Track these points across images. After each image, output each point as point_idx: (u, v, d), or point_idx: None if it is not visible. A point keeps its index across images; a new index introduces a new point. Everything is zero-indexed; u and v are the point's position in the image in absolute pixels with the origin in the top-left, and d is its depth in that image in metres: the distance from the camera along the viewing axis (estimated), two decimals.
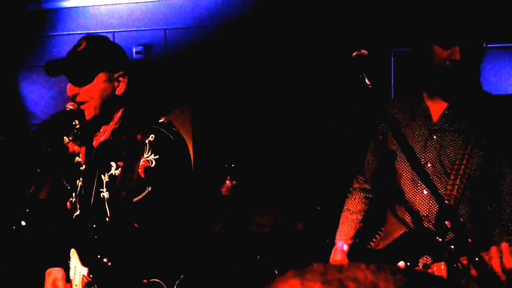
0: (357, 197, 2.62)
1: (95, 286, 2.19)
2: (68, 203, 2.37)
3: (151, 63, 4.85)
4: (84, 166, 2.34)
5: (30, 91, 5.16)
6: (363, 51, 1.90)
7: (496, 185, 2.21)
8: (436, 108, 2.31)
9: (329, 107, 4.32)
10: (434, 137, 2.26)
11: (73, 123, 2.40)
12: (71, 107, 2.24)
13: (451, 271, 1.60)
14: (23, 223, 2.18)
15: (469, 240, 1.60)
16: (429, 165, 2.24)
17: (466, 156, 2.19)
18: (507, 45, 4.09)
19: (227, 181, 3.46)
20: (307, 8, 4.35)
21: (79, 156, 2.37)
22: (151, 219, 2.22)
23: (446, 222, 1.59)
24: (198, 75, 4.71)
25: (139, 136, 2.21)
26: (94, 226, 2.26)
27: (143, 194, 2.20)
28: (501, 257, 1.81)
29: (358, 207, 2.60)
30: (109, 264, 2.16)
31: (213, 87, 4.68)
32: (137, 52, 4.87)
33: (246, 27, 4.55)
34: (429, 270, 2.02)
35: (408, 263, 2.19)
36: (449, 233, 2.13)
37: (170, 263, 2.23)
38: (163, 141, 2.21)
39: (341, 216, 2.62)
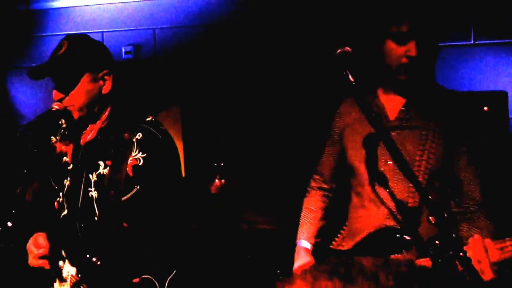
0: (315, 196, 2.60)
1: (83, 285, 2.18)
2: (55, 203, 2.36)
3: (141, 63, 4.84)
4: (71, 166, 2.33)
5: (19, 91, 5.13)
6: (346, 48, 1.90)
7: (456, 178, 2.22)
8: (392, 105, 2.30)
9: (319, 105, 4.33)
10: (393, 134, 2.24)
11: (60, 122, 2.39)
12: (57, 107, 2.23)
13: (436, 267, 1.61)
14: (9, 224, 2.17)
15: (453, 235, 1.60)
16: (389, 162, 2.24)
17: (426, 151, 2.19)
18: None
19: (216, 180, 3.46)
20: (297, 7, 4.36)
21: (66, 156, 2.36)
22: (140, 218, 2.21)
23: (431, 217, 1.59)
24: (187, 75, 4.70)
25: (126, 135, 2.21)
26: (82, 225, 2.24)
27: (132, 192, 2.19)
28: (486, 251, 1.82)
29: (317, 205, 2.57)
30: (98, 263, 2.16)
31: (202, 87, 4.67)
32: (126, 52, 4.86)
33: (235, 27, 4.55)
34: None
35: None
36: (417, 230, 2.15)
37: (161, 259, 2.21)
38: (151, 140, 2.20)
39: (300, 216, 2.59)
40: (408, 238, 2.15)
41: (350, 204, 2.45)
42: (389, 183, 2.19)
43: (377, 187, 2.28)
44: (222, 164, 3.46)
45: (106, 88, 2.25)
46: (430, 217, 1.61)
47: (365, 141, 2.29)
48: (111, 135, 2.25)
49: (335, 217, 2.57)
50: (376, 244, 2.24)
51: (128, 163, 2.17)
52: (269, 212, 4.25)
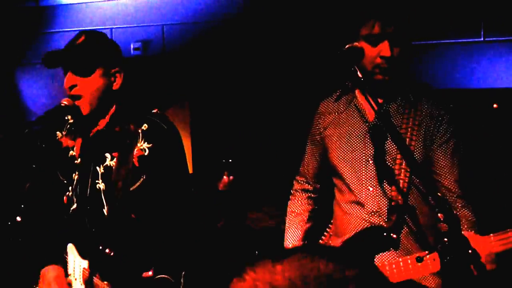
0: (299, 198, 2.61)
1: (97, 275, 2.19)
2: (65, 198, 2.37)
3: (149, 59, 4.85)
4: (79, 160, 2.34)
5: (28, 88, 5.16)
6: (355, 43, 1.90)
7: (434, 172, 2.23)
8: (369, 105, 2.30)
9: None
10: (372, 133, 2.25)
11: (66, 118, 2.41)
12: (66, 102, 2.25)
13: (444, 264, 1.60)
14: (19, 218, 2.18)
15: (463, 232, 1.60)
16: (370, 161, 2.24)
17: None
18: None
19: (225, 177, 3.46)
20: (305, 3, 4.35)
21: (73, 150, 2.38)
22: (147, 208, 2.24)
23: (439, 214, 1.59)
24: (196, 71, 4.70)
25: (132, 126, 2.24)
26: (91, 218, 2.26)
27: (138, 183, 2.21)
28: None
29: (302, 208, 2.58)
30: (112, 254, 2.17)
31: (211, 83, 4.67)
32: (135, 49, 4.86)
33: (243, 23, 4.54)
34: (422, 263, 2.02)
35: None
36: (404, 228, 2.15)
37: (172, 254, 2.23)
38: (156, 130, 2.24)
39: (286, 221, 2.60)
40: (395, 236, 2.15)
41: (335, 202, 2.45)
42: (374, 182, 2.20)
43: (361, 186, 2.28)
44: (230, 160, 3.46)
45: (117, 84, 2.28)
46: (438, 214, 1.60)
47: (348, 141, 2.30)
48: (117, 127, 2.28)
49: (322, 215, 2.58)
50: (362, 242, 2.24)
51: (134, 153, 2.20)
52: (278, 208, 4.25)
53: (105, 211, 2.23)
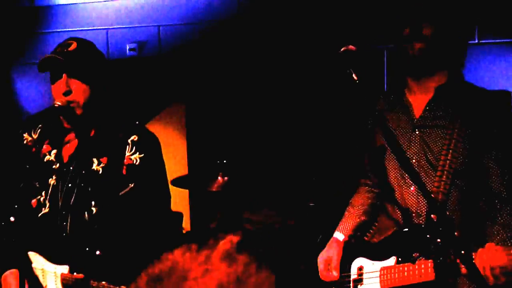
0: (360, 192, 2.65)
1: (79, 276, 2.19)
2: (34, 201, 2.37)
3: (145, 60, 4.85)
4: (57, 164, 2.36)
5: (23, 88, 5.15)
6: (350, 46, 1.91)
7: (484, 179, 2.22)
8: (418, 103, 2.32)
9: (322, 104, 4.33)
10: (417, 132, 2.27)
11: (36, 122, 2.46)
12: (59, 103, 2.26)
13: (437, 265, 1.61)
14: (12, 219, 2.18)
15: (456, 234, 1.60)
16: (413, 160, 2.25)
17: (450, 150, 2.20)
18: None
19: (219, 178, 3.46)
20: (301, 5, 4.35)
21: (50, 155, 2.39)
22: (133, 211, 2.30)
23: (432, 215, 1.59)
24: (191, 72, 4.71)
25: (120, 135, 2.34)
26: (73, 221, 2.28)
27: (127, 189, 2.28)
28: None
29: (360, 201, 2.62)
30: (101, 255, 2.20)
31: (207, 84, 4.68)
32: (130, 49, 4.86)
33: (239, 24, 4.55)
34: (416, 264, 2.04)
35: (399, 259, 2.20)
36: (440, 229, 2.14)
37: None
38: (148, 140, 2.37)
39: (345, 211, 2.65)
40: (438, 240, 2.15)
41: (382, 200, 2.49)
42: (416, 181, 2.21)
43: (403, 184, 2.30)
44: (225, 161, 3.46)
45: (103, 93, 2.37)
46: (432, 216, 1.61)
47: (394, 140, 2.31)
48: (105, 133, 2.36)
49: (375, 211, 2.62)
50: (400, 241, 2.27)
51: (124, 161, 2.30)
52: (273, 209, 4.26)
53: (86, 215, 2.27)
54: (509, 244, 2.08)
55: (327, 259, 2.48)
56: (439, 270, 1.61)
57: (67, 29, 4.99)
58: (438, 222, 1.57)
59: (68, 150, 2.39)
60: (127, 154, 2.30)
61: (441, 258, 1.56)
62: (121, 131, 2.35)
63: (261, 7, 4.47)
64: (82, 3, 4.97)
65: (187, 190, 4.56)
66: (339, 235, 2.56)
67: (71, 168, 2.35)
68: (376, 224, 2.55)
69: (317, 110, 4.33)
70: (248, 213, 4.22)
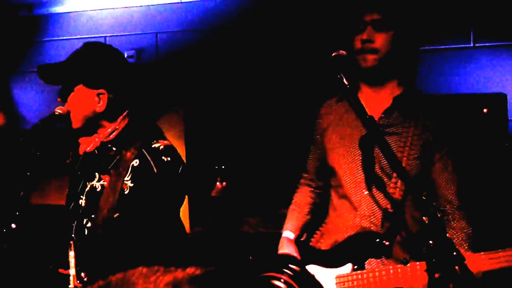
0: (303, 191, 2.64)
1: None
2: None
3: (143, 67, 4.88)
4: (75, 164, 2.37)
5: (22, 96, 5.18)
6: (341, 51, 1.93)
7: (433, 182, 2.25)
8: (373, 110, 2.31)
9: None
10: (371, 138, 2.26)
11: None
12: (60, 111, 2.28)
13: (429, 267, 1.64)
14: (13, 226, 2.21)
15: (447, 235, 1.63)
16: (368, 165, 2.26)
17: (404, 158, 2.21)
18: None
19: (217, 183, 3.48)
20: (297, 12, 4.38)
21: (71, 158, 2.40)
22: (122, 235, 2.17)
23: (424, 217, 1.62)
24: (189, 78, 4.73)
25: (129, 154, 2.18)
26: (77, 230, 2.26)
27: (116, 214, 2.16)
28: None
29: (304, 200, 2.62)
30: (85, 279, 2.14)
31: (204, 90, 4.70)
32: (128, 56, 4.89)
33: (237, 31, 4.58)
34: (407, 266, 2.05)
35: (355, 266, 2.20)
36: (396, 235, 2.17)
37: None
38: (143, 171, 2.14)
39: (288, 209, 2.64)
40: (387, 243, 2.17)
41: (330, 202, 2.48)
42: (369, 186, 2.22)
43: (356, 189, 2.30)
44: (223, 167, 3.49)
45: (101, 107, 2.22)
46: (423, 218, 1.64)
47: (345, 143, 2.33)
48: (113, 150, 2.23)
49: (319, 213, 2.62)
50: (354, 247, 2.25)
51: (122, 185, 2.15)
52: (270, 215, 4.27)
53: (84, 224, 2.22)
54: (466, 247, 2.13)
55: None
56: (432, 272, 1.64)
57: (66, 37, 5.02)
58: (430, 224, 1.60)
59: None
60: (125, 179, 2.14)
61: (433, 260, 1.59)
62: (130, 151, 2.17)
63: (257, 14, 4.49)
64: (80, 11, 5.01)
65: (186, 196, 4.58)
66: (289, 234, 2.54)
67: (78, 173, 2.33)
68: (321, 228, 2.53)
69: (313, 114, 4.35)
70: (246, 216, 4.24)
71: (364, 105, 2.31)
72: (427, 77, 4.15)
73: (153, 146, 2.18)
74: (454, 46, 4.17)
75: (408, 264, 2.06)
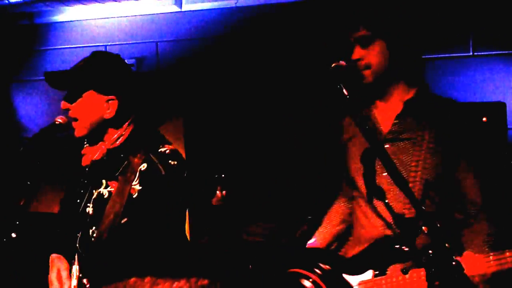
0: (338, 202, 2.66)
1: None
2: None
3: (143, 76, 4.89)
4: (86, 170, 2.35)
5: (23, 104, 5.18)
6: (341, 62, 1.94)
7: (456, 186, 2.24)
8: (385, 117, 2.33)
9: (321, 118, 4.36)
10: (387, 146, 2.27)
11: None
12: (60, 120, 2.29)
13: (429, 276, 1.64)
14: (14, 235, 2.21)
15: (447, 245, 1.63)
16: (384, 174, 2.25)
17: (420, 162, 2.21)
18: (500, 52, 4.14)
19: (218, 192, 3.49)
20: (295, 20, 4.40)
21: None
22: (131, 240, 2.19)
23: (424, 227, 1.63)
24: (189, 87, 4.74)
25: (136, 160, 2.19)
26: (82, 240, 2.27)
27: (124, 220, 2.17)
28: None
29: (338, 211, 2.63)
30: (88, 286, 2.17)
31: (205, 99, 4.71)
32: (129, 65, 4.90)
33: (236, 40, 4.59)
34: (407, 276, 2.06)
35: (376, 272, 2.21)
36: (415, 240, 2.17)
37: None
38: (151, 174, 2.16)
39: (323, 219, 2.65)
40: (406, 249, 2.17)
41: (354, 214, 2.49)
42: (386, 195, 2.22)
43: (374, 198, 2.30)
44: (223, 175, 3.49)
45: (110, 113, 2.23)
46: (423, 227, 1.64)
47: (362, 154, 2.33)
48: (120, 157, 2.24)
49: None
50: (375, 254, 2.27)
51: (130, 190, 2.16)
52: (270, 223, 4.27)
53: (91, 233, 2.22)
54: (487, 250, 2.10)
55: None
56: (432, 280, 1.64)
57: (66, 46, 5.04)
58: (429, 233, 1.60)
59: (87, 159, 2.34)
60: (133, 183, 2.15)
61: (433, 269, 1.59)
62: (138, 156, 2.18)
63: (257, 23, 4.51)
64: (80, 20, 5.02)
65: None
66: (316, 243, 2.56)
67: (85, 181, 2.33)
68: (350, 238, 2.55)
69: (314, 122, 4.37)
70: (247, 225, 4.24)
71: (377, 115, 2.34)
72: None
73: (159, 150, 2.20)
74: (453, 54, 4.18)
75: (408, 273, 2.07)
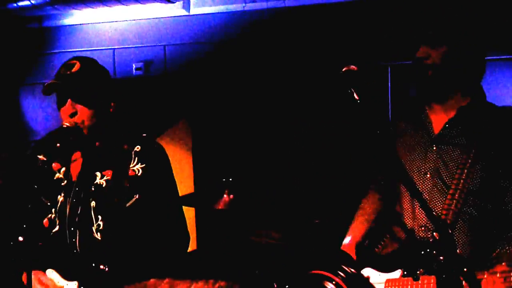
0: (371, 197, 2.65)
1: None
2: (46, 220, 2.41)
3: (151, 79, 4.89)
4: (65, 182, 2.40)
5: (31, 108, 5.20)
6: (352, 66, 1.93)
7: (499, 200, 2.21)
8: (439, 120, 2.34)
9: (327, 120, 4.35)
10: (434, 148, 2.27)
11: (54, 142, 2.44)
12: (68, 124, 2.31)
13: (440, 283, 1.62)
14: (21, 238, 2.21)
15: (459, 251, 1.62)
16: (428, 175, 2.26)
17: (465, 170, 2.19)
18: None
19: (225, 195, 3.46)
20: (304, 24, 4.39)
21: (59, 173, 2.44)
22: (141, 223, 2.30)
23: (435, 233, 1.61)
24: (197, 91, 4.74)
25: (125, 146, 2.35)
26: (81, 237, 2.30)
27: (133, 200, 2.29)
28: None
29: (371, 207, 2.62)
30: (107, 270, 2.21)
31: (212, 102, 4.71)
32: (136, 69, 4.91)
33: (243, 43, 4.59)
34: (419, 282, 2.04)
35: (405, 272, 2.21)
36: (447, 246, 2.14)
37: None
38: (150, 150, 2.36)
39: (355, 214, 2.64)
40: (441, 258, 2.16)
41: (394, 212, 2.50)
42: (428, 196, 2.22)
43: (414, 199, 2.30)
44: (230, 179, 3.48)
45: (112, 110, 2.40)
46: (434, 233, 1.62)
47: (411, 152, 2.34)
48: (111, 147, 2.38)
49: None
50: (407, 254, 2.28)
51: (129, 173, 2.30)
52: (278, 227, 4.26)
53: (94, 230, 2.28)
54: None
55: None
56: (441, 285, 1.63)
57: (75, 49, 5.05)
58: (441, 240, 1.59)
59: (76, 167, 2.42)
60: (131, 165, 2.31)
61: (443, 276, 1.57)
62: (126, 143, 2.36)
63: (265, 27, 4.51)
64: (88, 23, 5.03)
65: (193, 208, 4.57)
66: (349, 239, 2.56)
67: (76, 185, 2.38)
68: (388, 236, 2.55)
69: (322, 126, 4.35)
70: (254, 229, 4.23)
71: (431, 116, 2.35)
72: None
73: (143, 135, 2.42)
74: (503, 56, 4.12)
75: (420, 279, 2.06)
